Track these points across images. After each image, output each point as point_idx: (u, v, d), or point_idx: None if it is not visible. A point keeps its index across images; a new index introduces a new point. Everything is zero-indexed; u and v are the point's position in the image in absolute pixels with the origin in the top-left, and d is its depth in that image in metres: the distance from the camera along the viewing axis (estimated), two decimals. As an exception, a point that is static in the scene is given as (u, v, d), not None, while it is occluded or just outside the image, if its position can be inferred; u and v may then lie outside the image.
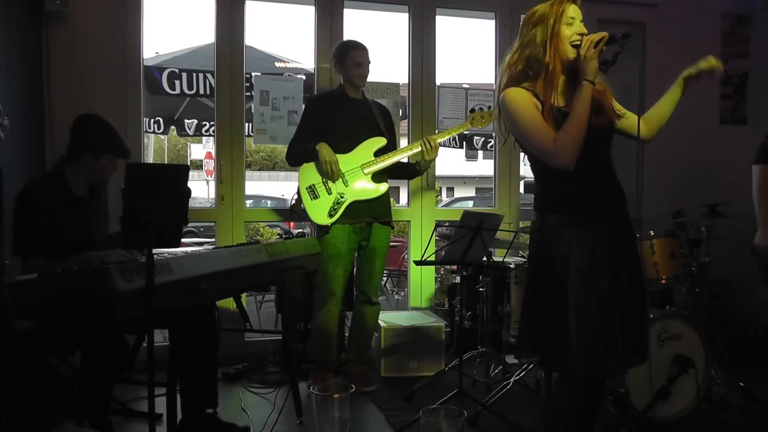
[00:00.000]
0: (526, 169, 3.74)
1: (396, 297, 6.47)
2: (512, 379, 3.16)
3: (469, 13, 4.60)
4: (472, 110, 3.64)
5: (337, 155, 3.28)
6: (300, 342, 3.76)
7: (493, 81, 3.65)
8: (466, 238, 2.92)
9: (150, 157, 7.81)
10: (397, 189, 8.41)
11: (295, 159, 3.41)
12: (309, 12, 4.13)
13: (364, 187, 3.35)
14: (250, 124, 4.20)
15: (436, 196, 6.57)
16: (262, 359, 3.75)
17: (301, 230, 8.04)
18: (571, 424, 1.93)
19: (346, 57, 3.39)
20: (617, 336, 1.83)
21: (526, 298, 2.05)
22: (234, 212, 3.99)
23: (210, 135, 5.08)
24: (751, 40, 4.74)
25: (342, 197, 3.31)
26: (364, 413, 3.09)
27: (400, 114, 4.66)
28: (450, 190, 23.47)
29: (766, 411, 3.06)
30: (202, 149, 16.42)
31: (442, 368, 3.51)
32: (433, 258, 3.15)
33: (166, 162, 17.63)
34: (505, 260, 3.40)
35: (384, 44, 6.94)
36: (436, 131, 4.21)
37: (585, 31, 1.87)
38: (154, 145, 12.36)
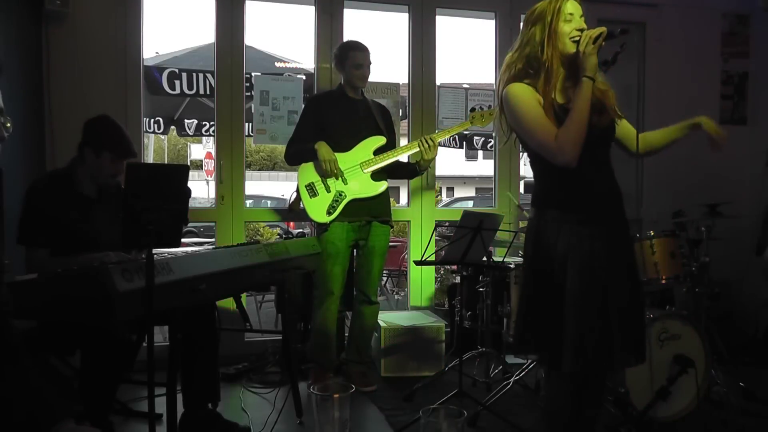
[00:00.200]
0: (526, 169, 3.75)
1: (396, 297, 6.47)
2: (512, 379, 3.17)
3: (469, 13, 4.60)
4: (473, 109, 3.64)
5: (336, 154, 3.28)
6: (300, 342, 3.76)
7: (493, 81, 3.65)
8: (466, 238, 2.92)
9: (150, 157, 7.80)
10: (397, 189, 8.41)
11: (293, 158, 3.41)
12: (309, 12, 4.13)
13: (363, 186, 3.35)
14: (250, 124, 4.20)
15: (436, 196, 6.57)
16: (262, 359, 3.75)
17: (301, 230, 8.06)
18: (570, 424, 1.93)
19: (347, 58, 3.39)
20: (614, 333, 1.82)
21: (520, 294, 2.05)
22: (234, 212, 3.99)
23: (210, 135, 5.09)
24: (751, 40, 4.74)
25: (341, 195, 3.31)
26: (364, 413, 3.08)
27: (400, 114, 4.66)
28: (450, 190, 23.47)
29: (766, 411, 3.06)
30: (202, 149, 16.43)
31: (442, 368, 3.51)
32: (433, 258, 3.15)
33: (166, 162, 17.63)
34: (505, 260, 3.40)
35: (384, 44, 6.92)
36: (436, 131, 4.21)
37: (585, 27, 1.86)
38: (154, 145, 12.36)
